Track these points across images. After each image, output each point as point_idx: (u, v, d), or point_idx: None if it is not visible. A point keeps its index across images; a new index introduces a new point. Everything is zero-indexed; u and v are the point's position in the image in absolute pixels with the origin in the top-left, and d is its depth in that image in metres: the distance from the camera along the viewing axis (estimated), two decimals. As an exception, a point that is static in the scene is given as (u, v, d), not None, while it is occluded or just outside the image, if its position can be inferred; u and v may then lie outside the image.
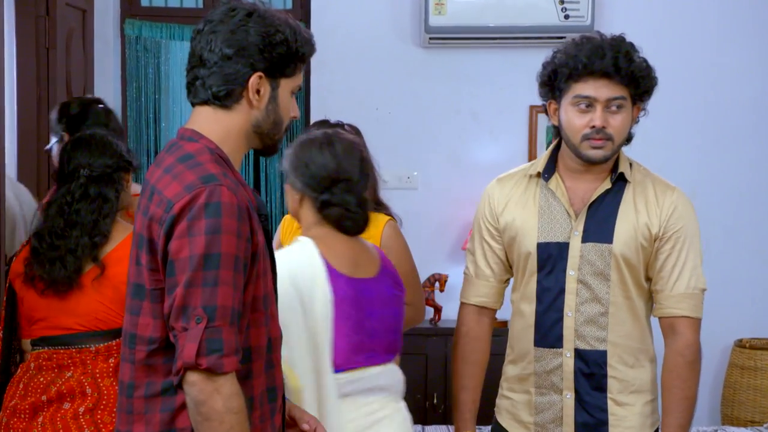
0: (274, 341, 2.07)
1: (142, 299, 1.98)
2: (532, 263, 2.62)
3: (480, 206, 2.74)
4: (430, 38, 4.85)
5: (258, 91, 2.01)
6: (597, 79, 2.50)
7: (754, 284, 4.93)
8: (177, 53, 5.16)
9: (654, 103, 2.65)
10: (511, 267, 2.72)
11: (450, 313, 4.90)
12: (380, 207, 3.34)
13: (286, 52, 2.01)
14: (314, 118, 4.73)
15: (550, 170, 2.65)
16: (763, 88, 4.99)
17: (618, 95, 2.52)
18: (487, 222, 2.71)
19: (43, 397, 2.85)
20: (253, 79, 2.00)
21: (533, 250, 2.61)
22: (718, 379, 4.93)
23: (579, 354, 2.59)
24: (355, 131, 3.35)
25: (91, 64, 4.43)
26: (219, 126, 2.02)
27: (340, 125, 3.31)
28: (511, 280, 2.76)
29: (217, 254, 1.87)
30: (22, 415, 2.85)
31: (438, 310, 4.87)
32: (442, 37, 4.85)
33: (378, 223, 3.28)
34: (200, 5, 5.27)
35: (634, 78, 2.52)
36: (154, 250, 1.94)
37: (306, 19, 5.02)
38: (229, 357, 1.87)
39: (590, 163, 2.57)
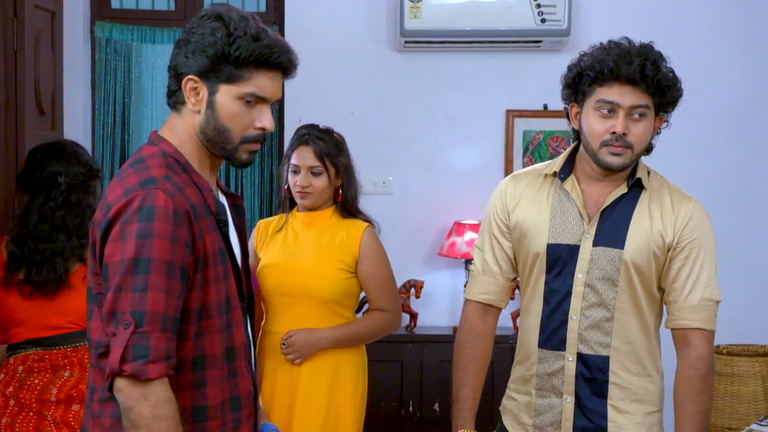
0: (237, 349, 2.03)
1: (93, 303, 1.98)
2: (541, 264, 2.60)
3: (491, 202, 2.72)
4: (406, 42, 4.81)
5: (199, 94, 1.99)
6: (622, 84, 2.48)
7: (731, 290, 4.85)
8: (148, 56, 5.08)
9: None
10: (517, 265, 2.70)
11: (426, 320, 4.87)
12: (359, 213, 3.33)
13: (215, 55, 1.96)
14: (288, 122, 4.67)
15: (566, 171, 2.63)
16: (742, 94, 4.99)
17: (642, 103, 2.49)
18: (498, 219, 2.69)
19: (52, 398, 2.86)
20: (185, 82, 1.99)
21: (543, 250, 2.59)
22: (696, 386, 4.89)
23: (581, 358, 2.57)
24: (341, 139, 3.35)
25: (60, 67, 4.34)
26: (178, 129, 2.03)
27: (328, 131, 3.32)
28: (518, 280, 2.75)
29: (147, 259, 1.84)
30: (31, 412, 2.85)
31: (414, 316, 4.82)
32: (418, 41, 4.81)
33: (356, 229, 3.27)
34: (172, 8, 5.20)
35: (660, 87, 2.50)
36: (95, 253, 1.94)
37: (280, 21, 4.96)
38: (155, 363, 1.83)
39: (607, 169, 2.54)
